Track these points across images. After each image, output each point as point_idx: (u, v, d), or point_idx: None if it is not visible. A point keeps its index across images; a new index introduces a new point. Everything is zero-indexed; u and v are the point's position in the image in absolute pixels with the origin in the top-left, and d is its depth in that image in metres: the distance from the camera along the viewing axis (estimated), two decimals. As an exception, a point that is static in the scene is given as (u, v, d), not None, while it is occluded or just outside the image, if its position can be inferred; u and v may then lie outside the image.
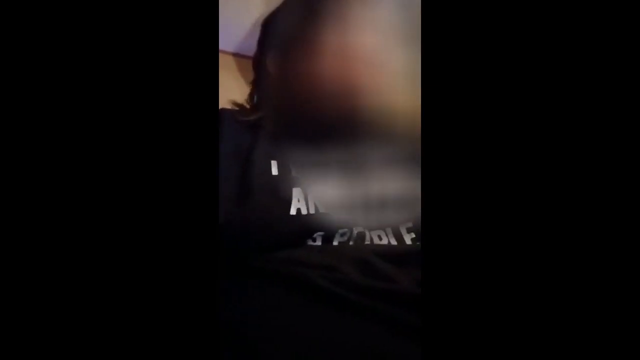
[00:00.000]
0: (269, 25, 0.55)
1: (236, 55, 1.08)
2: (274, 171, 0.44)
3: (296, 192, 0.42)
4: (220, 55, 1.02)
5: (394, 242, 0.41)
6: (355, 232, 0.41)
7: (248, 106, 0.54)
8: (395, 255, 0.39)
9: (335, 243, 0.40)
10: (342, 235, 0.41)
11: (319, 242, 0.40)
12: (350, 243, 0.40)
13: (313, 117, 0.43)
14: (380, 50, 0.43)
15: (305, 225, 0.40)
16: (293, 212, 0.41)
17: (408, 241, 0.41)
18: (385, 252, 0.39)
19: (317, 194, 0.42)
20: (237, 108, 0.54)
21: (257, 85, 0.56)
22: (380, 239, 0.41)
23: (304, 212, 0.41)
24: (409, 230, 0.42)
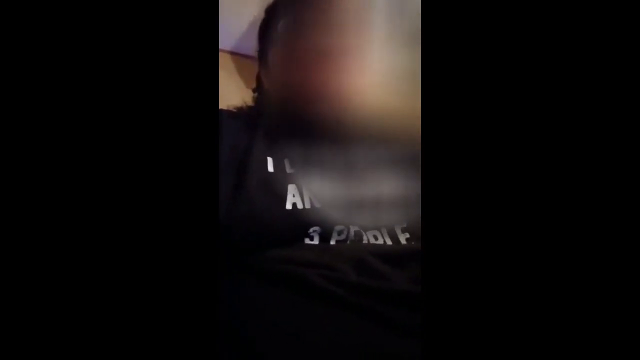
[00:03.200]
0: (266, 26, 0.55)
1: (234, 53, 1.08)
2: (270, 168, 0.45)
3: (291, 188, 0.42)
4: (219, 54, 1.02)
5: (389, 242, 0.41)
6: (352, 231, 0.41)
7: (246, 105, 0.54)
8: (391, 255, 0.39)
9: (332, 242, 0.40)
10: (339, 233, 0.41)
11: (316, 239, 0.40)
12: (348, 242, 0.41)
13: (309, 116, 0.43)
14: (376, 50, 0.43)
15: (301, 221, 0.41)
16: (289, 207, 0.41)
17: (403, 241, 0.41)
18: (381, 252, 0.39)
19: (313, 190, 0.42)
20: (234, 107, 0.55)
21: (256, 85, 0.57)
22: (376, 238, 0.41)
23: (299, 206, 0.41)
24: (403, 231, 0.42)
